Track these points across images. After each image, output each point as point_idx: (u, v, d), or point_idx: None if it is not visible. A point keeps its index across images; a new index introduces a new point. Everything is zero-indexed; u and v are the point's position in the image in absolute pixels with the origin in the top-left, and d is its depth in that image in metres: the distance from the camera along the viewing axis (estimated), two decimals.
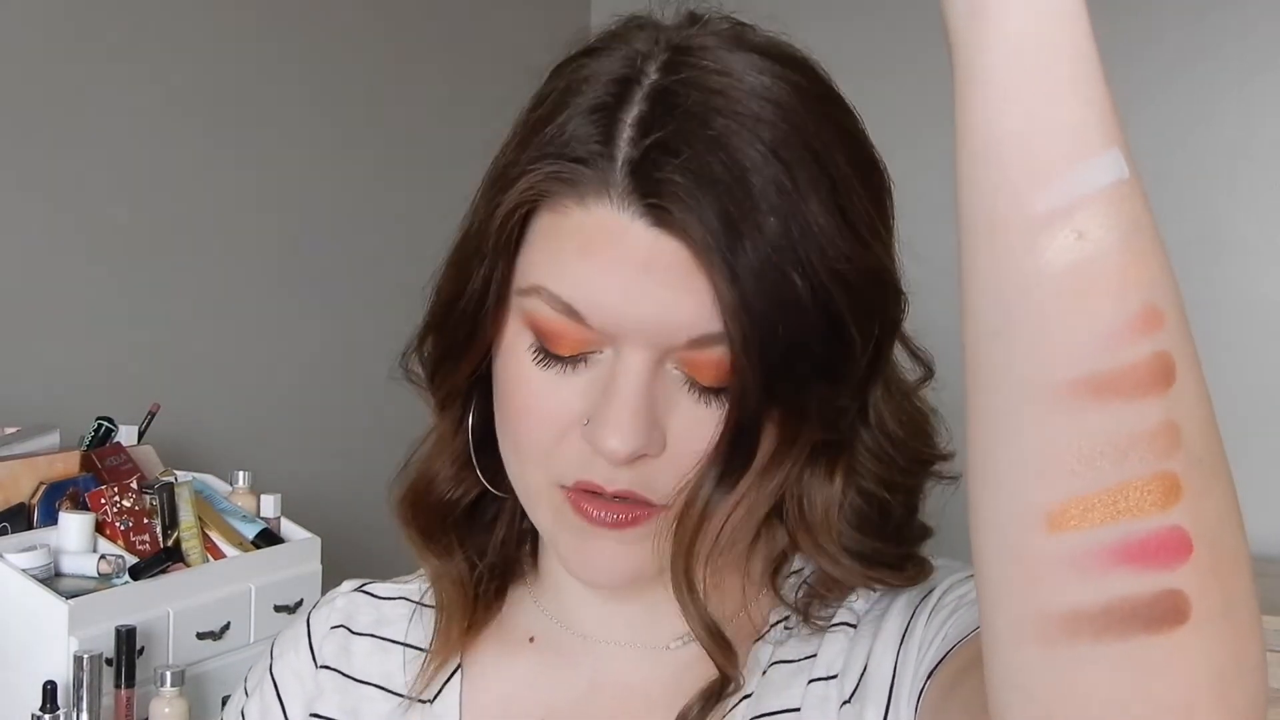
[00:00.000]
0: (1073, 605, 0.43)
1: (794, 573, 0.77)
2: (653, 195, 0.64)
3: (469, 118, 2.31)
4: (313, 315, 2.35)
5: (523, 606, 0.81)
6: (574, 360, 0.68)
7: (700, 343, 0.66)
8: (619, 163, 0.65)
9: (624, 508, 0.69)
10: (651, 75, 0.67)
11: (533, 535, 0.81)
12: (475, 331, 0.72)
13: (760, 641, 0.74)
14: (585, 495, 0.69)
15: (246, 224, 2.25)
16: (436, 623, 0.79)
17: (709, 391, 0.67)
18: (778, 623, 0.75)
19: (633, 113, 0.66)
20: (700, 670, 0.74)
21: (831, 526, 0.71)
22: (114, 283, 2.01)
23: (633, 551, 0.70)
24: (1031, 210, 0.43)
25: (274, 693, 0.83)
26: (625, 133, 0.66)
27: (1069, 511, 0.43)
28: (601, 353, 0.68)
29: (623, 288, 0.66)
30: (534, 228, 0.69)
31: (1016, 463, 0.44)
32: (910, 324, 0.74)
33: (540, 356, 0.69)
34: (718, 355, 0.66)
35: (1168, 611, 0.42)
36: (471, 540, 0.79)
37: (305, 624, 0.85)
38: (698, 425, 0.67)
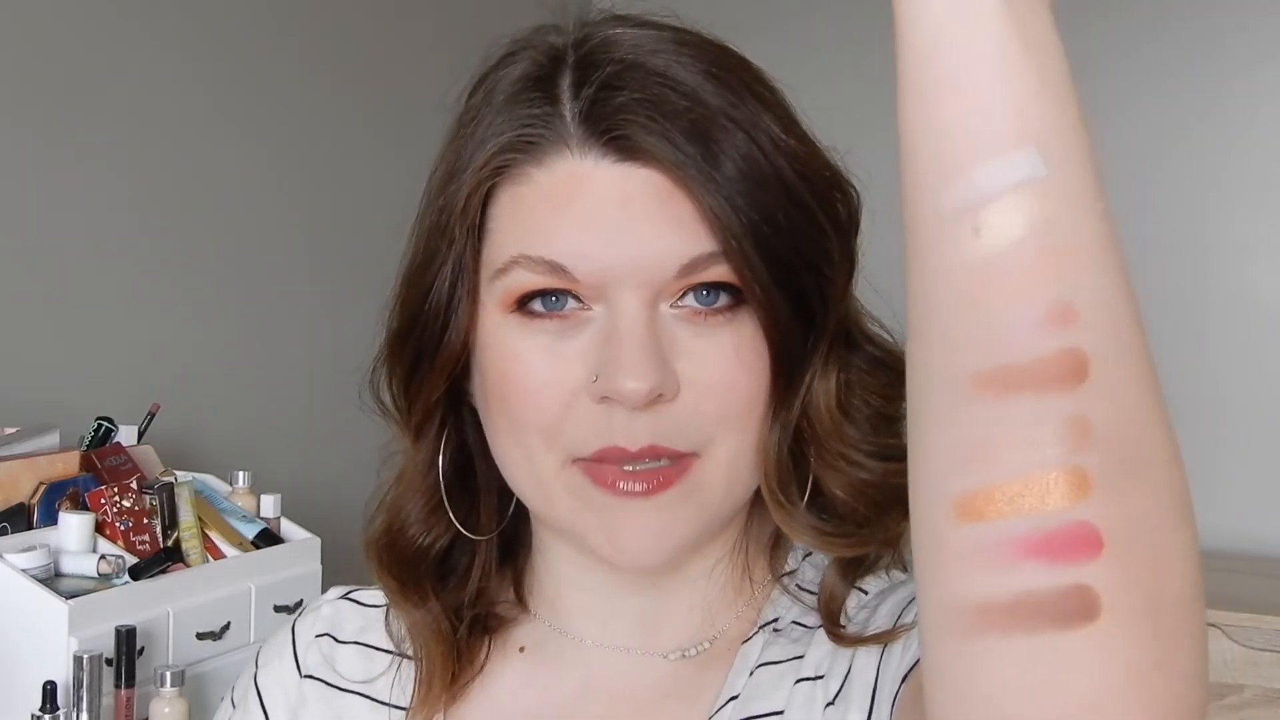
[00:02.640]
0: (983, 597, 0.43)
1: (788, 573, 0.76)
2: (611, 130, 0.65)
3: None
4: (313, 315, 2.35)
5: (515, 629, 0.78)
6: (566, 325, 0.67)
7: (693, 267, 0.65)
8: (568, 117, 0.66)
9: (652, 473, 0.66)
10: (571, 50, 0.68)
11: (513, 573, 0.79)
12: (447, 327, 0.70)
13: (748, 643, 0.73)
14: (607, 468, 0.67)
15: (246, 224, 2.25)
16: (418, 676, 0.76)
17: (712, 318, 0.67)
18: (766, 624, 0.74)
19: (567, 78, 0.67)
20: (696, 682, 0.73)
21: (840, 427, 0.70)
22: (114, 283, 2.01)
23: (670, 519, 0.67)
24: (937, 206, 0.43)
25: (258, 703, 0.81)
26: (566, 92, 0.67)
27: (976, 502, 0.43)
28: (592, 310, 0.67)
29: (602, 231, 0.65)
30: (495, 211, 0.68)
31: (931, 453, 0.45)
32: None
33: (529, 329, 0.67)
34: (714, 276, 0.66)
35: (1077, 608, 0.42)
36: (447, 592, 0.77)
37: (290, 632, 0.83)
38: (711, 358, 0.66)
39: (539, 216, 0.66)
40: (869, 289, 0.73)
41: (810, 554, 0.76)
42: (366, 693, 0.79)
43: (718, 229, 0.65)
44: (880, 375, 0.72)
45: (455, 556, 0.78)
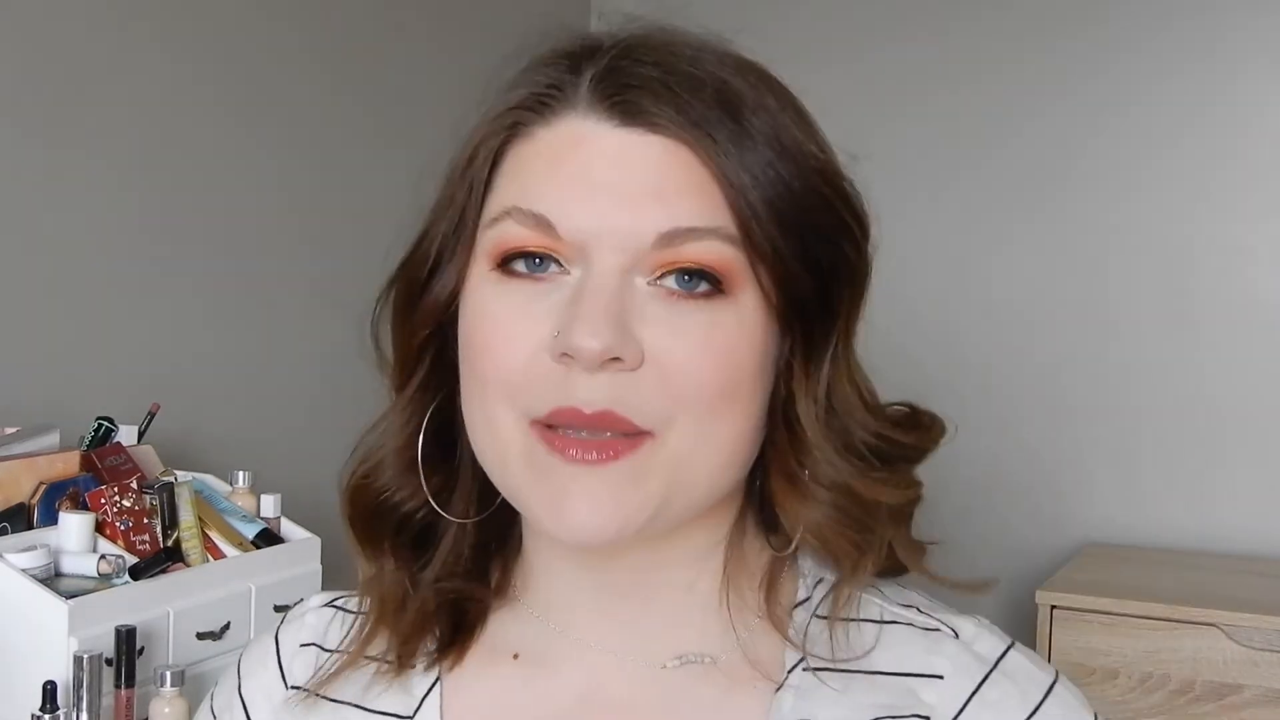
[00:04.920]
0: None
1: (800, 604, 0.74)
2: (619, 94, 0.65)
3: (473, 119, 2.30)
4: (313, 315, 2.35)
5: (507, 622, 0.77)
6: (542, 286, 0.66)
7: (671, 239, 0.65)
8: (583, 83, 0.67)
9: (604, 443, 0.65)
10: (611, 39, 0.69)
11: (502, 564, 0.78)
12: (436, 271, 0.70)
13: (781, 690, 0.70)
14: (560, 437, 0.66)
15: (247, 224, 2.25)
16: (355, 626, 0.76)
17: (687, 301, 0.66)
18: (795, 665, 0.71)
19: (596, 53, 0.68)
20: (697, 694, 0.71)
21: (821, 422, 0.69)
22: (114, 282, 2.01)
23: (617, 496, 0.66)
24: None
25: (244, 714, 0.80)
26: (588, 63, 0.68)
27: None
28: (570, 273, 0.66)
29: (588, 191, 0.65)
30: (501, 168, 0.69)
31: None
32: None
33: (506, 287, 0.67)
34: (694, 254, 0.65)
35: None
36: (411, 560, 0.76)
37: (274, 641, 0.82)
38: (678, 337, 0.65)
39: (535, 171, 0.67)
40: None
41: (820, 580, 0.74)
42: (357, 702, 0.77)
43: (730, 192, 0.65)
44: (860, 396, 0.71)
45: (431, 533, 0.77)
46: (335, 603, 0.83)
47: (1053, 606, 2.34)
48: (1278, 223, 2.68)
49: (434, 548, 0.77)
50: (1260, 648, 2.23)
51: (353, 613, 0.81)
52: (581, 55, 0.68)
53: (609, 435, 0.66)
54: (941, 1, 2.89)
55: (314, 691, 0.78)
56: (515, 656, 0.76)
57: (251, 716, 0.80)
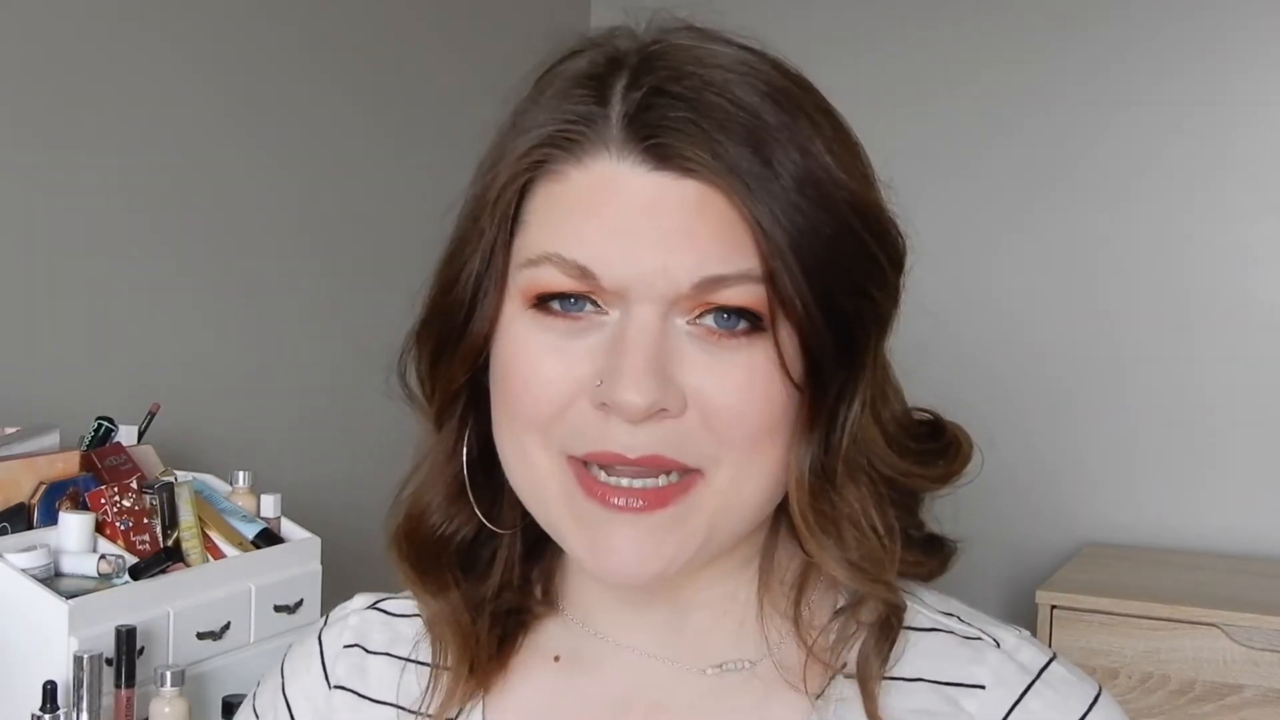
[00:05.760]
0: None
1: (841, 610, 0.73)
2: (652, 137, 0.64)
3: (474, 120, 2.30)
4: (314, 315, 2.35)
5: (549, 626, 0.77)
6: (578, 326, 0.66)
7: (705, 287, 0.64)
8: (613, 119, 0.66)
9: (649, 492, 0.65)
10: (635, 54, 0.68)
11: (544, 571, 0.78)
12: (471, 317, 0.69)
13: (822, 698, 0.70)
14: (600, 483, 0.66)
15: (247, 224, 2.25)
16: (436, 665, 0.76)
17: (727, 340, 0.65)
18: (837, 672, 0.71)
19: (621, 80, 0.66)
20: (737, 700, 0.71)
21: (840, 464, 0.68)
22: (114, 282, 2.01)
23: (660, 540, 0.66)
24: None
25: (288, 715, 0.80)
26: (617, 94, 0.66)
27: None
28: (608, 315, 0.66)
29: (625, 239, 0.64)
30: (531, 205, 0.68)
31: None
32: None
33: (541, 325, 0.67)
34: (731, 298, 0.65)
35: None
36: (469, 583, 0.76)
37: (317, 642, 0.82)
38: (720, 379, 0.65)
39: (572, 217, 0.66)
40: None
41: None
42: (399, 703, 0.77)
43: (760, 238, 0.64)
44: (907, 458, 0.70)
45: (479, 550, 0.77)
46: (378, 605, 0.83)
47: (1053, 606, 2.34)
48: (1276, 222, 2.68)
49: (488, 565, 0.77)
50: (1260, 648, 2.23)
51: (396, 615, 0.81)
52: (605, 79, 0.67)
53: (656, 482, 0.66)
54: (942, 1, 2.89)
55: (356, 692, 0.79)
56: (557, 659, 0.76)
57: (295, 717, 0.80)
